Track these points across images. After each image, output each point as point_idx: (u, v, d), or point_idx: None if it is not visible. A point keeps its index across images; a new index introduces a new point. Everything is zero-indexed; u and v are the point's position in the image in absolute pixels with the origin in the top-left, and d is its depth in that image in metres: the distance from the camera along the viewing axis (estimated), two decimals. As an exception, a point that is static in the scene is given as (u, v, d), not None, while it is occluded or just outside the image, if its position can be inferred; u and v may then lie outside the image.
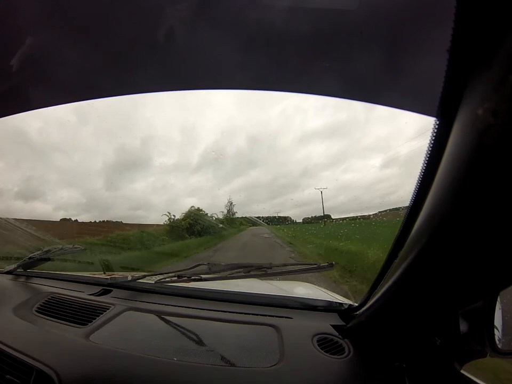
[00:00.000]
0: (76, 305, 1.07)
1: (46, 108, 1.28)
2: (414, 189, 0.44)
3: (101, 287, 1.27)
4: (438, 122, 0.36)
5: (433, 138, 0.37)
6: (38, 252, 1.51)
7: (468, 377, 0.72)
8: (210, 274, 1.13)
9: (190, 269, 1.20)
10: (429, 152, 0.38)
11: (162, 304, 1.09)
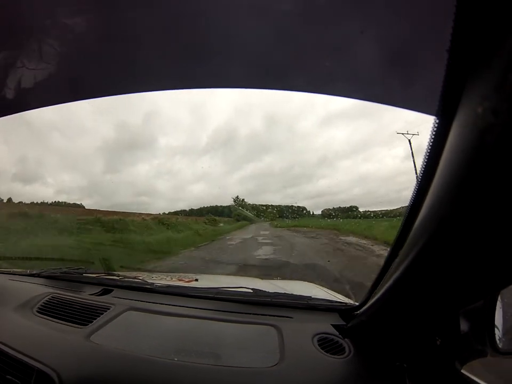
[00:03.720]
0: (76, 305, 1.07)
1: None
2: (413, 188, 0.44)
3: (102, 287, 1.27)
4: (437, 121, 0.36)
5: (433, 137, 0.37)
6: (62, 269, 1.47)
7: (468, 377, 0.72)
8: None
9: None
10: (429, 150, 0.38)
11: (163, 304, 1.10)
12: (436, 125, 0.36)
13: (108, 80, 1.16)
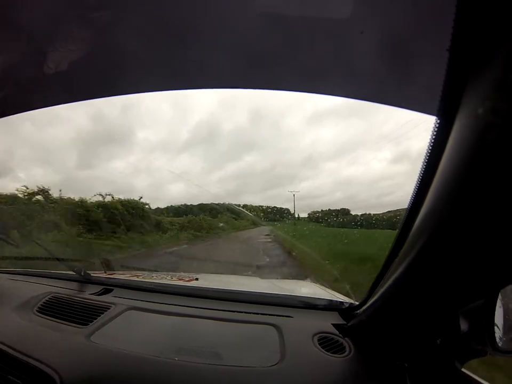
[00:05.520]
0: (76, 305, 1.07)
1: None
2: (414, 187, 0.44)
3: (102, 287, 1.27)
4: (438, 121, 0.36)
5: (434, 137, 0.37)
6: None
7: (468, 375, 0.72)
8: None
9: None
10: (429, 150, 0.38)
11: (163, 304, 1.10)
12: (437, 125, 0.36)
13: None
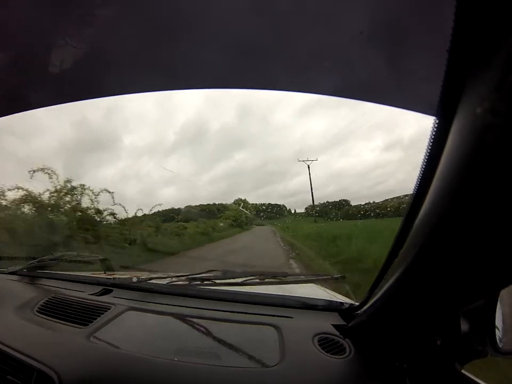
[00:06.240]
0: (76, 305, 1.07)
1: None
2: (413, 188, 0.44)
3: (102, 287, 1.27)
4: (437, 122, 0.36)
5: (433, 137, 0.37)
6: (49, 256, 1.50)
7: (468, 377, 0.72)
8: (223, 279, 1.13)
9: (202, 273, 1.18)
10: (429, 151, 0.38)
11: (163, 304, 1.10)
12: (436, 125, 0.36)
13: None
